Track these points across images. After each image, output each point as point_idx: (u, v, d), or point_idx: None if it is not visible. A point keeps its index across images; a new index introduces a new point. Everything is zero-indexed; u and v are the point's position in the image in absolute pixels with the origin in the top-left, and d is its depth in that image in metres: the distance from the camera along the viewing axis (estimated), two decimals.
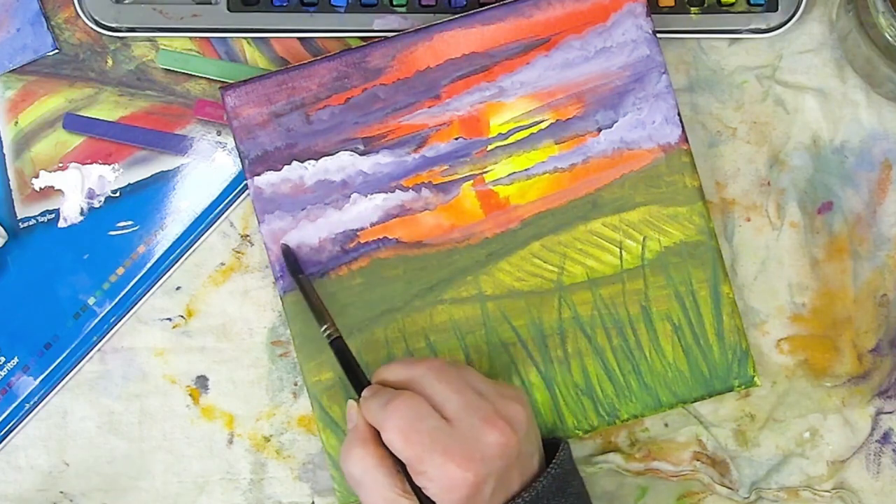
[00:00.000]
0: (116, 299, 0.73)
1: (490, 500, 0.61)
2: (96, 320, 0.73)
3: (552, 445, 0.66)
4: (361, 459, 0.61)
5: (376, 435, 0.62)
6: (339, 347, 0.66)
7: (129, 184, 0.74)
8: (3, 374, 0.73)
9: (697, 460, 0.73)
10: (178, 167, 0.74)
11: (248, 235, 0.74)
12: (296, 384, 0.74)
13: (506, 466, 0.61)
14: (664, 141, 0.71)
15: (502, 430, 0.61)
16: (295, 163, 0.71)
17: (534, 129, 0.71)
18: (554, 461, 0.64)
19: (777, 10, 0.72)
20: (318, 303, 0.68)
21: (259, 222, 0.71)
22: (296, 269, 0.70)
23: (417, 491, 0.61)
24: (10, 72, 0.74)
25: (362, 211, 0.71)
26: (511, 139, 0.71)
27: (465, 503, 0.60)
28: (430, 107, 0.71)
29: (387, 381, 0.64)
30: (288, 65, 0.73)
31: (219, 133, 0.74)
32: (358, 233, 0.71)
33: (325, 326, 0.67)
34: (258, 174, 0.71)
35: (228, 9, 0.73)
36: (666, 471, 0.73)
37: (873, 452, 0.73)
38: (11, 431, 0.73)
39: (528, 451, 0.63)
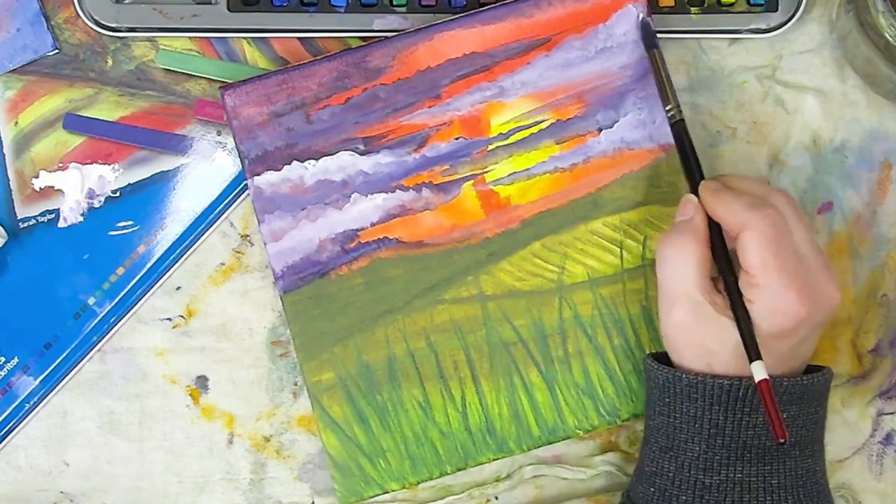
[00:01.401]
0: (116, 299, 0.73)
1: (797, 346, 0.62)
2: (96, 320, 0.73)
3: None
4: (686, 251, 0.62)
5: (708, 238, 0.63)
6: (679, 131, 0.67)
7: (129, 184, 0.74)
8: (3, 374, 0.73)
9: None
10: (178, 167, 0.74)
11: (248, 235, 0.74)
12: (296, 384, 0.74)
13: (822, 324, 0.62)
14: (665, 141, 0.71)
15: (838, 289, 0.62)
16: (295, 163, 0.71)
17: (534, 129, 0.71)
18: (822, 370, 0.64)
19: (777, 10, 0.72)
20: (667, 82, 0.68)
21: (259, 222, 0.71)
22: (651, 42, 0.69)
23: (741, 313, 0.61)
24: (10, 72, 0.74)
25: (362, 211, 0.71)
26: (512, 139, 0.71)
27: (783, 332, 0.61)
28: (430, 107, 0.71)
29: (738, 187, 0.64)
30: (288, 65, 0.73)
31: (219, 133, 0.74)
32: (358, 233, 0.71)
33: (669, 107, 0.67)
34: (258, 174, 0.71)
35: (228, 9, 0.72)
36: None
37: (876, 454, 0.73)
38: (11, 431, 0.73)
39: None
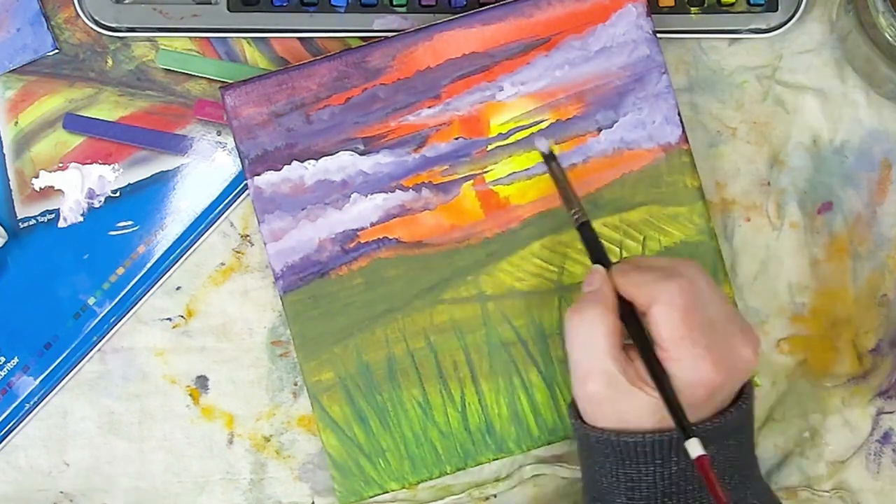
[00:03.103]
0: (116, 299, 0.73)
1: (716, 407, 0.61)
2: (96, 320, 0.73)
3: None
4: (595, 322, 0.61)
5: (616, 307, 0.61)
6: (586, 231, 0.66)
7: (129, 184, 0.74)
8: (3, 374, 0.73)
9: None
10: (178, 167, 0.74)
11: (248, 235, 0.74)
12: (296, 384, 0.74)
13: (740, 382, 0.61)
14: (664, 141, 0.71)
15: (755, 348, 0.61)
16: (295, 163, 0.71)
17: (534, 129, 0.71)
18: (743, 397, 0.62)
19: (777, 10, 0.72)
20: (568, 186, 0.67)
21: (259, 222, 0.71)
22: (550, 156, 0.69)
23: (654, 371, 0.60)
24: (10, 72, 0.74)
25: (362, 211, 0.71)
26: (511, 139, 0.71)
27: (700, 401, 0.60)
28: (430, 107, 0.71)
29: (646, 265, 0.63)
30: (288, 65, 0.73)
31: (219, 133, 0.74)
32: (358, 233, 0.71)
33: (574, 210, 0.66)
34: (258, 174, 0.71)
35: (228, 9, 0.73)
36: None
37: (873, 452, 0.73)
38: (11, 431, 0.73)
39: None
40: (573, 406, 0.64)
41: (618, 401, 0.60)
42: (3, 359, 0.73)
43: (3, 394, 0.73)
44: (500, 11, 0.70)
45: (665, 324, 0.59)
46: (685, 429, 0.58)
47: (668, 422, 0.59)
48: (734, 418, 0.61)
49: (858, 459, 0.73)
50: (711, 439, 0.60)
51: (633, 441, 0.60)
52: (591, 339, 0.61)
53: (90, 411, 0.74)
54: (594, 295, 0.62)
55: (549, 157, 0.69)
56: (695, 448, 0.57)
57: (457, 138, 0.71)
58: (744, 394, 0.62)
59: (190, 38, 0.74)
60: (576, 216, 0.66)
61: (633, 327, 0.61)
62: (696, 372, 0.59)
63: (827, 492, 0.73)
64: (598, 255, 0.65)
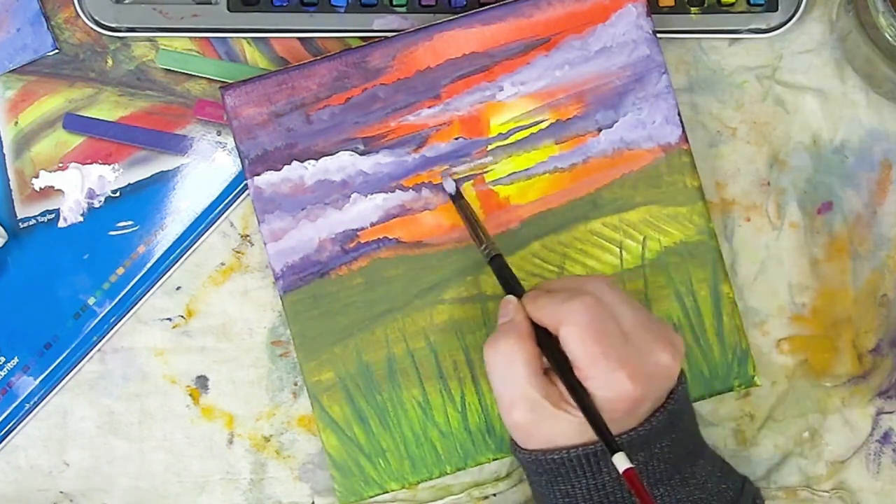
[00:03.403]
0: (116, 299, 0.73)
1: (643, 413, 0.61)
2: (96, 320, 0.73)
3: None
4: (511, 352, 0.61)
5: (532, 333, 0.61)
6: (497, 264, 0.66)
7: (129, 184, 0.74)
8: (3, 374, 0.73)
9: None
10: (178, 167, 0.74)
11: (248, 235, 0.74)
12: (296, 384, 0.74)
13: (665, 389, 0.61)
14: (664, 141, 0.71)
15: (673, 353, 0.61)
16: (295, 163, 0.71)
17: (534, 129, 0.71)
18: (671, 396, 0.62)
19: (777, 10, 0.72)
20: (477, 222, 0.68)
21: (259, 222, 0.71)
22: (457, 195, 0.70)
23: (574, 391, 0.60)
24: (10, 72, 0.74)
25: (362, 211, 0.71)
26: (511, 139, 0.71)
27: (624, 415, 0.60)
28: (430, 107, 0.71)
29: (554, 288, 0.63)
30: (288, 65, 0.73)
31: (219, 133, 0.74)
32: (358, 233, 0.71)
33: (484, 245, 0.67)
34: (258, 174, 0.71)
35: (228, 9, 0.73)
36: None
37: (873, 452, 0.73)
38: (11, 431, 0.73)
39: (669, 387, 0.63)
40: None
41: (545, 425, 0.61)
42: (3, 359, 0.73)
43: (3, 394, 0.73)
44: (500, 11, 0.70)
45: (575, 343, 0.59)
46: (609, 443, 0.58)
47: (595, 436, 0.59)
48: (660, 421, 0.61)
49: (858, 459, 0.73)
50: (639, 447, 0.60)
51: (559, 457, 0.61)
52: (510, 369, 0.61)
53: (90, 411, 0.74)
54: (508, 325, 0.62)
55: (457, 196, 0.70)
56: (621, 462, 0.57)
57: (457, 138, 0.71)
58: (671, 394, 0.62)
59: (190, 38, 0.74)
60: (486, 251, 0.67)
61: (549, 351, 0.61)
62: (613, 386, 0.59)
63: (826, 492, 0.73)
64: (510, 286, 0.65)
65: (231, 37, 0.74)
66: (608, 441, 0.58)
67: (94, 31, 0.73)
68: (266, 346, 0.74)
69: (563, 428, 0.61)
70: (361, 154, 0.71)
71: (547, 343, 0.61)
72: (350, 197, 0.71)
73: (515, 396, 0.61)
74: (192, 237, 0.73)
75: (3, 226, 0.73)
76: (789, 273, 0.73)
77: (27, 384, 0.73)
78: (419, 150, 0.71)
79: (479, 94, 0.71)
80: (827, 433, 0.73)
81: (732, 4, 0.73)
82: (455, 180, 0.70)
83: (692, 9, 0.73)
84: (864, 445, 0.73)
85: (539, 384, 0.60)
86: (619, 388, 0.59)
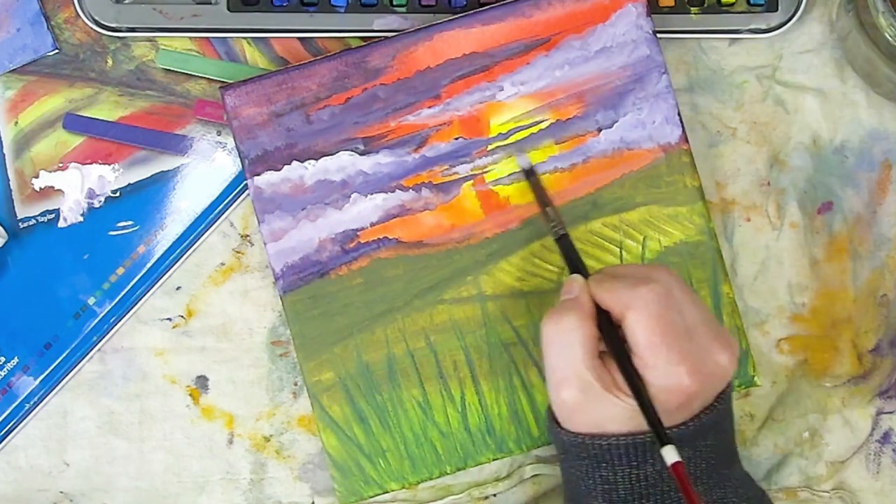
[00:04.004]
0: (116, 299, 0.73)
1: (693, 412, 0.61)
2: (96, 320, 0.73)
3: None
4: (572, 329, 0.60)
5: (594, 314, 0.61)
6: (565, 243, 0.66)
7: (129, 184, 0.74)
8: (3, 374, 0.73)
9: None
10: (178, 167, 0.74)
11: (248, 235, 0.74)
12: (296, 384, 0.74)
13: (717, 390, 0.61)
14: (664, 141, 0.71)
15: (731, 354, 0.61)
16: (295, 163, 0.71)
17: (534, 129, 0.71)
18: (720, 396, 0.62)
19: (777, 10, 0.72)
20: (548, 200, 0.68)
21: (259, 222, 0.71)
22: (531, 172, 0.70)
23: (630, 378, 0.59)
24: (10, 72, 0.74)
25: (362, 211, 0.71)
26: (511, 139, 0.71)
27: (676, 410, 0.59)
28: (430, 107, 0.71)
29: (621, 273, 0.63)
30: (288, 65, 0.73)
31: (219, 133, 0.74)
32: (358, 233, 0.71)
33: (553, 224, 0.67)
34: (258, 174, 0.71)
35: (228, 9, 0.73)
36: None
37: (873, 452, 0.73)
38: (11, 431, 0.73)
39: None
40: (550, 411, 0.64)
41: (593, 407, 0.60)
42: (3, 359, 0.73)
43: (3, 394, 0.73)
44: (500, 11, 0.70)
45: (640, 331, 0.59)
46: (660, 435, 0.58)
47: (643, 426, 0.59)
48: (709, 419, 0.61)
49: (858, 459, 0.73)
50: (686, 442, 0.60)
51: (607, 444, 0.60)
52: (567, 345, 0.61)
53: (90, 411, 0.74)
54: (571, 303, 0.62)
55: (530, 172, 0.70)
56: (670, 455, 0.57)
57: (457, 138, 0.71)
58: (721, 395, 0.62)
59: (190, 38, 0.74)
60: (555, 229, 0.67)
61: (609, 335, 0.61)
62: (671, 378, 0.59)
63: (826, 492, 0.73)
64: (576, 265, 0.65)
65: (231, 37, 0.74)
66: (659, 432, 0.58)
67: (94, 31, 0.73)
68: (266, 346, 0.74)
69: (612, 413, 0.60)
70: (361, 154, 0.71)
71: (608, 327, 0.61)
72: (350, 197, 0.71)
73: (569, 374, 0.60)
74: (192, 237, 0.73)
75: (3, 226, 0.73)
76: (789, 273, 0.73)
77: (27, 384, 0.73)
78: (419, 151, 0.71)
79: (479, 94, 0.71)
80: (827, 433, 0.73)
81: (732, 4, 0.73)
82: (528, 157, 0.70)
83: (692, 9, 0.73)
84: (864, 445, 0.73)
85: (594, 366, 0.60)
86: (676, 381, 0.59)
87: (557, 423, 0.63)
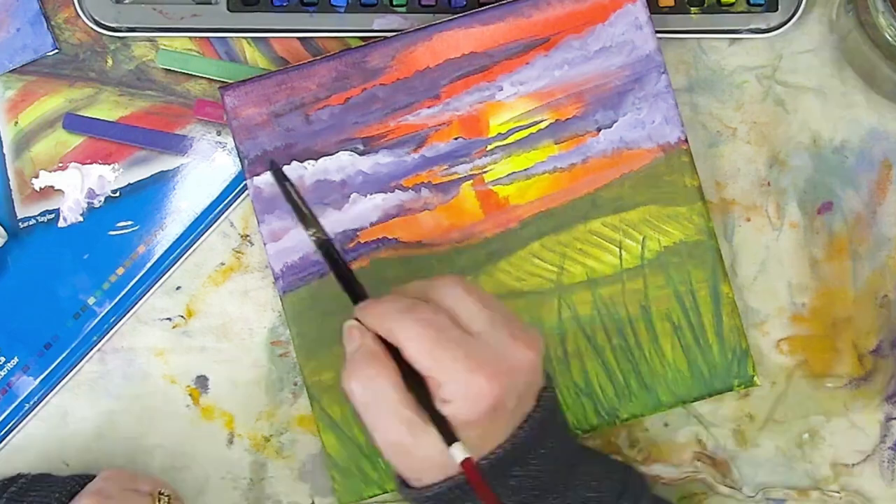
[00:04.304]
0: (116, 299, 0.73)
1: (511, 416, 0.60)
2: (96, 320, 0.73)
3: None
4: (371, 379, 0.59)
5: (385, 351, 0.60)
6: (328, 251, 0.63)
7: (129, 184, 0.74)
8: (3, 374, 0.73)
9: (698, 461, 0.73)
10: (178, 167, 0.74)
11: (248, 235, 0.74)
12: (296, 384, 0.74)
13: (528, 383, 0.60)
14: (664, 141, 0.71)
15: (529, 345, 0.60)
16: (294, 163, 0.71)
17: (533, 129, 0.71)
18: (538, 404, 0.62)
19: (777, 10, 0.72)
20: (304, 206, 0.64)
21: (259, 222, 0.71)
22: (280, 175, 0.65)
23: (431, 411, 0.59)
24: (10, 72, 0.74)
25: (362, 211, 0.71)
26: (510, 139, 0.71)
27: (488, 415, 0.58)
28: (429, 107, 0.71)
29: (400, 292, 0.62)
30: (288, 65, 0.73)
31: (219, 133, 0.74)
32: (358, 233, 0.71)
33: (311, 230, 0.63)
34: (258, 174, 0.71)
35: (228, 9, 0.73)
36: (667, 476, 0.73)
37: (887, 459, 0.73)
38: (11, 431, 0.73)
39: (541, 377, 0.62)
40: (397, 477, 0.62)
41: (425, 442, 0.59)
42: (3, 359, 0.73)
43: (3, 394, 0.73)
44: (499, 11, 0.70)
45: (420, 355, 0.58)
46: (444, 434, 0.57)
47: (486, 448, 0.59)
48: (532, 429, 0.60)
49: (871, 466, 0.73)
50: (515, 460, 0.60)
51: (427, 492, 0.60)
52: (377, 396, 0.59)
53: (90, 411, 0.74)
54: (361, 353, 0.60)
55: (281, 176, 0.63)
56: (458, 453, 0.57)
57: (456, 138, 0.71)
58: (538, 402, 0.62)
59: (190, 38, 0.74)
60: (315, 235, 0.63)
61: (398, 361, 0.60)
62: (470, 388, 0.58)
63: (837, 492, 0.73)
64: (347, 285, 0.63)
65: (231, 37, 0.74)
66: (443, 432, 0.57)
67: (94, 31, 0.73)
68: (266, 346, 0.74)
69: (441, 446, 0.58)
70: (361, 154, 0.71)
71: (394, 355, 0.60)
72: (349, 197, 0.71)
73: (391, 421, 0.59)
74: (191, 237, 0.73)
75: (3, 226, 0.73)
76: (789, 273, 0.73)
77: (27, 384, 0.73)
78: (418, 151, 0.71)
79: (479, 94, 0.71)
80: (830, 435, 0.73)
81: (732, 4, 0.72)
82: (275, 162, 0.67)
83: (692, 9, 0.73)
84: (877, 452, 0.73)
85: (409, 402, 0.59)
86: (476, 388, 0.58)
87: (406, 483, 0.62)
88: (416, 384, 0.59)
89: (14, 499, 0.66)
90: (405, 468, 0.61)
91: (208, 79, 0.74)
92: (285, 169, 0.70)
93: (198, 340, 0.74)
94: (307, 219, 0.63)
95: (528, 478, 0.61)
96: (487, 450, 0.60)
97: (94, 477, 0.67)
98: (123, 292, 0.73)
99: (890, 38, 0.66)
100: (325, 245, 0.63)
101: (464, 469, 0.56)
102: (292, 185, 0.63)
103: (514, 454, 0.60)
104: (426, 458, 0.59)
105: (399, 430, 0.59)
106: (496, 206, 0.71)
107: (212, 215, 0.74)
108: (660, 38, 0.71)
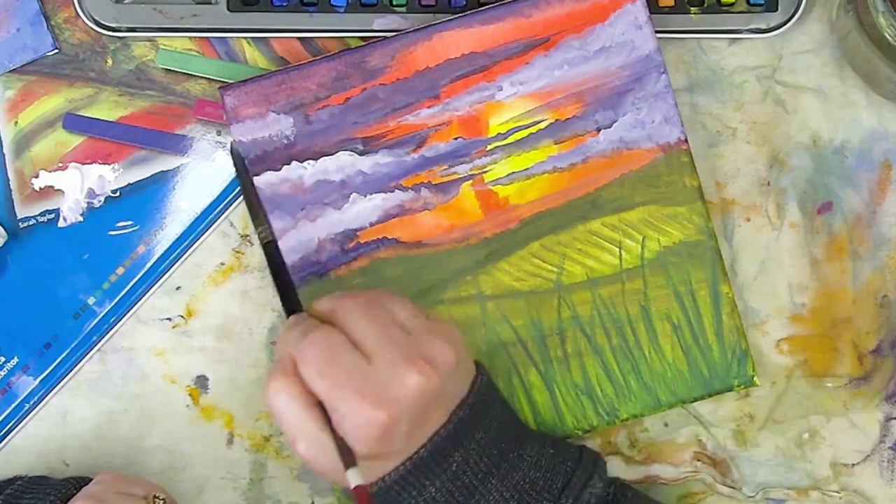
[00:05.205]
0: (116, 299, 0.73)
1: (406, 440, 0.60)
2: (96, 320, 0.73)
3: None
4: (281, 391, 0.60)
5: (296, 367, 0.61)
6: (271, 252, 0.65)
7: (129, 184, 0.74)
8: (3, 374, 0.73)
9: (698, 460, 0.73)
10: (178, 167, 0.74)
11: (248, 235, 0.74)
12: None
13: (423, 407, 0.60)
14: (664, 141, 0.71)
15: (422, 371, 0.59)
16: (294, 163, 0.71)
17: (533, 129, 0.71)
18: (471, 391, 0.62)
19: (777, 10, 0.72)
20: (257, 202, 0.65)
21: None
22: (242, 167, 0.67)
23: (332, 431, 0.60)
24: (10, 72, 0.74)
25: (362, 211, 0.71)
26: (510, 139, 0.71)
27: (376, 442, 0.59)
28: (429, 107, 0.71)
29: (314, 314, 0.63)
30: (288, 65, 0.73)
31: (219, 133, 0.74)
32: (357, 233, 0.71)
33: (260, 228, 0.65)
34: (257, 174, 0.71)
35: (228, 9, 0.73)
36: (667, 477, 0.73)
37: (887, 459, 0.73)
38: (11, 431, 0.73)
39: (454, 390, 0.62)
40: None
41: (329, 456, 0.60)
42: (3, 359, 0.73)
43: (3, 394, 0.73)
44: (499, 11, 0.70)
45: (314, 381, 0.59)
46: (344, 459, 0.58)
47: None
48: (466, 415, 0.61)
49: (871, 466, 0.73)
50: (452, 446, 0.61)
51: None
52: (285, 407, 0.60)
53: (90, 411, 0.74)
54: (278, 363, 0.62)
55: (242, 168, 0.66)
56: (353, 478, 0.57)
57: (456, 138, 0.71)
58: (472, 387, 0.62)
59: (190, 38, 0.74)
60: (262, 234, 0.65)
61: (310, 391, 0.61)
62: (358, 416, 0.59)
63: (837, 492, 0.73)
64: (284, 298, 0.65)
65: (231, 37, 0.74)
66: (343, 456, 0.58)
67: (94, 31, 0.73)
68: (266, 346, 0.74)
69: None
70: (361, 154, 0.71)
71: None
72: (349, 197, 0.71)
73: (296, 432, 0.60)
74: (191, 237, 0.73)
75: (3, 226, 0.73)
76: (789, 273, 0.73)
77: (27, 384, 0.73)
78: (418, 151, 0.71)
79: (479, 94, 0.71)
80: (830, 435, 0.73)
81: (732, 4, 0.72)
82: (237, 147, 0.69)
83: (692, 9, 0.73)
84: (877, 452, 0.73)
85: (314, 417, 0.60)
86: (362, 417, 0.59)
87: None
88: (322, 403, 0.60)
89: (10, 501, 0.66)
90: (326, 474, 0.62)
91: (208, 79, 0.74)
92: (285, 169, 0.70)
93: (198, 340, 0.74)
94: (257, 214, 0.65)
95: (469, 460, 0.61)
96: (391, 466, 0.61)
97: (90, 480, 0.67)
98: (123, 292, 0.73)
99: (890, 38, 0.66)
100: (269, 247, 0.65)
101: (355, 494, 0.57)
102: (249, 177, 0.66)
103: (449, 439, 0.61)
104: (337, 470, 0.59)
105: (304, 442, 0.60)
106: (496, 206, 0.71)
107: (212, 215, 0.74)
108: (660, 38, 0.71)
